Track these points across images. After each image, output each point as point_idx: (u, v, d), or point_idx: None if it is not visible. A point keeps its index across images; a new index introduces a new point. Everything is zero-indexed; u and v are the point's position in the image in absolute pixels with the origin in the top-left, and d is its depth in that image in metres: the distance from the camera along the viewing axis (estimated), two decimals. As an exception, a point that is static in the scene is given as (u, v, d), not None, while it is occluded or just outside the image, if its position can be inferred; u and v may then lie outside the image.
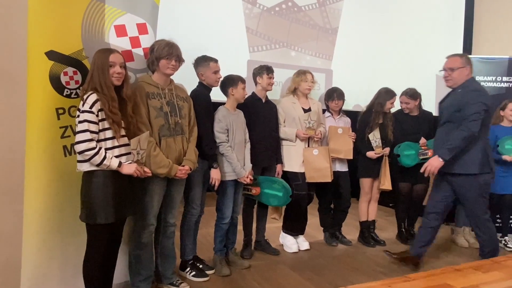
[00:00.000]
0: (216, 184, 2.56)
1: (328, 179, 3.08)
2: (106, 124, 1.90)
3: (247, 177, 2.69)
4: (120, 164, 1.91)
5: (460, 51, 4.59)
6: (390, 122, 3.46)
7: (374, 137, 3.35)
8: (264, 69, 2.98)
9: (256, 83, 3.04)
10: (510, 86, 3.96)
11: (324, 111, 3.47)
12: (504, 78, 3.96)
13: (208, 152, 2.52)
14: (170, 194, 2.33)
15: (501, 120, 3.56)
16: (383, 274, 2.83)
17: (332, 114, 3.44)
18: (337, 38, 3.84)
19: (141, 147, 2.01)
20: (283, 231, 3.37)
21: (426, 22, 4.42)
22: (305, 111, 3.16)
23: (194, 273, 2.59)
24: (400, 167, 3.44)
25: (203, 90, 2.62)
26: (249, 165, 2.76)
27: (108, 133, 1.91)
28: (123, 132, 1.99)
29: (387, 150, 3.39)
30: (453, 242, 3.73)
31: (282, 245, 3.35)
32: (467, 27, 4.63)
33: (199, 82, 2.65)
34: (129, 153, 1.99)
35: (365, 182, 3.48)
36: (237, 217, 2.84)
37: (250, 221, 3.13)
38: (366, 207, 3.54)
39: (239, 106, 2.82)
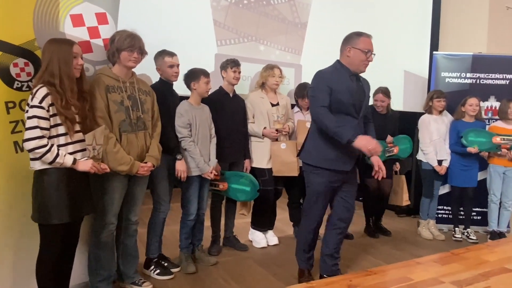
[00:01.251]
0: (183, 176, 2.50)
1: (295, 173, 3.07)
2: (58, 120, 1.80)
3: (212, 173, 2.63)
4: (75, 161, 1.82)
5: (428, 48, 4.70)
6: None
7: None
8: (229, 62, 2.93)
9: (222, 77, 2.99)
10: (473, 82, 4.07)
11: (293, 106, 3.46)
12: (468, 75, 4.07)
13: (171, 145, 2.46)
14: (132, 192, 2.26)
15: (463, 115, 3.66)
16: (348, 268, 2.87)
17: (301, 109, 3.44)
18: (306, 33, 3.82)
19: (97, 142, 1.93)
20: (251, 227, 3.35)
21: (395, 19, 4.48)
22: (274, 105, 3.14)
23: (158, 271, 2.54)
24: (364, 163, 3.47)
25: (160, 85, 2.56)
26: (214, 160, 2.71)
27: (61, 129, 1.81)
28: (77, 128, 1.89)
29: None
30: (418, 235, 3.82)
31: (252, 241, 3.33)
32: (434, 25, 4.73)
33: (159, 77, 2.60)
34: (84, 149, 1.90)
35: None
36: (203, 213, 2.79)
37: (218, 217, 3.09)
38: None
39: (206, 101, 2.76)
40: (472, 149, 3.49)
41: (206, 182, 2.72)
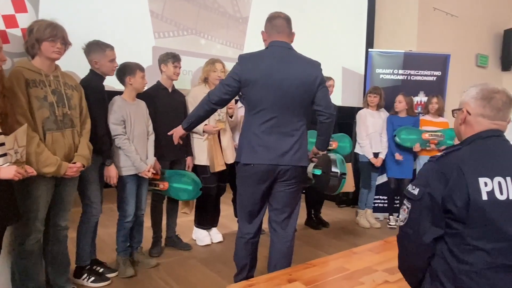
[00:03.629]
0: (112, 182, 2.37)
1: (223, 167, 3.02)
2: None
3: (149, 171, 2.52)
4: None
5: (363, 45, 4.91)
6: None
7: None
8: (170, 56, 2.82)
9: (161, 71, 2.87)
10: (405, 78, 4.33)
11: (236, 101, 3.42)
12: (400, 71, 4.32)
13: (101, 147, 2.30)
14: (60, 195, 2.09)
15: (397, 112, 3.90)
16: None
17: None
18: (247, 27, 3.80)
19: (19, 144, 1.73)
20: (195, 226, 3.28)
21: (334, 18, 4.62)
22: None
23: (93, 278, 2.38)
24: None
25: (95, 78, 2.37)
26: (152, 159, 2.59)
27: None
28: (-4, 129, 1.69)
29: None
30: (357, 224, 4.00)
31: (195, 240, 3.26)
32: (369, 24, 4.95)
33: (91, 70, 2.40)
34: (5, 154, 1.71)
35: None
36: (142, 214, 2.67)
37: (159, 217, 2.98)
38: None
39: (142, 96, 2.63)
40: (398, 156, 3.77)
41: (144, 181, 2.60)
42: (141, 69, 2.51)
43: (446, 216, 1.17)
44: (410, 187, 1.26)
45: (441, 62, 4.33)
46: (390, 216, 4.02)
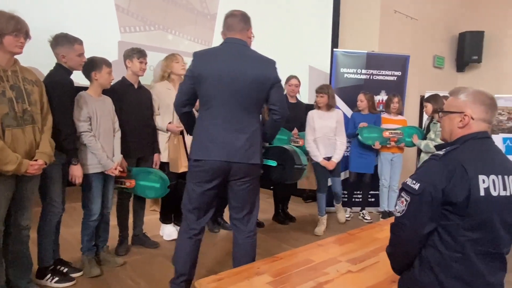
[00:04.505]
0: (77, 182, 2.31)
1: (177, 169, 2.99)
2: None
3: (116, 169, 2.48)
4: None
5: (329, 45, 5.05)
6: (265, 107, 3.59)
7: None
8: (136, 52, 2.77)
9: (126, 66, 2.82)
10: (368, 78, 4.50)
11: None
12: (363, 71, 4.48)
13: (67, 146, 2.23)
14: (22, 194, 2.01)
15: (360, 110, 4.05)
16: (259, 255, 2.95)
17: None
18: (216, 24, 3.80)
19: (-24, 142, 1.67)
20: (162, 222, 3.26)
21: (301, 18, 4.72)
22: None
23: (57, 278, 2.31)
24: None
25: (62, 73, 2.30)
26: (118, 156, 2.55)
27: None
28: None
29: (263, 136, 3.53)
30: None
31: (163, 236, 3.24)
32: (334, 25, 5.09)
33: (57, 64, 2.32)
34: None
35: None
36: (108, 212, 2.62)
37: (126, 215, 2.93)
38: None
39: (108, 92, 2.58)
40: (377, 146, 3.92)
41: (110, 179, 2.55)
42: (108, 64, 2.46)
43: (444, 209, 1.26)
44: (409, 181, 1.32)
45: (401, 62, 4.53)
46: (363, 211, 4.16)
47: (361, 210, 4.19)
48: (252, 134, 1.99)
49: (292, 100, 3.80)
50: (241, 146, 1.95)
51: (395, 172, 4.12)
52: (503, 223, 1.29)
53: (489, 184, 1.26)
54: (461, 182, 1.24)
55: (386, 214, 4.13)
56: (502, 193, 1.28)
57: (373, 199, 4.47)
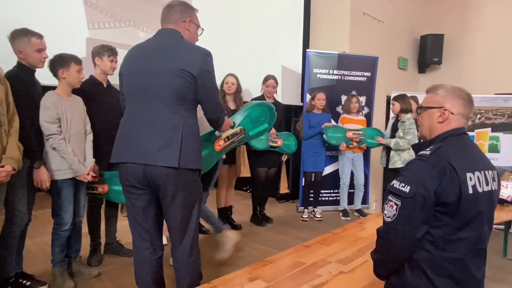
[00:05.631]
0: (44, 186, 2.13)
1: None
2: None
3: (89, 174, 2.31)
4: None
5: (301, 45, 5.07)
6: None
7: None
8: (106, 49, 2.60)
9: (94, 64, 2.64)
10: (339, 78, 4.56)
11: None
12: (335, 71, 4.54)
13: (30, 147, 2.05)
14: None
15: (313, 108, 4.08)
16: (241, 259, 2.90)
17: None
18: (188, 22, 3.68)
19: None
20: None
21: (273, 19, 4.71)
22: None
23: (20, 293, 2.12)
24: (255, 153, 3.59)
25: (21, 71, 2.12)
26: (91, 160, 2.38)
27: None
28: None
29: (241, 137, 3.47)
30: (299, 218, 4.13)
31: (137, 243, 3.08)
32: (305, 26, 5.13)
33: (17, 62, 2.14)
34: None
35: (222, 170, 3.50)
36: (80, 221, 2.44)
37: (97, 223, 2.75)
38: (224, 193, 3.58)
39: (75, 91, 2.40)
40: (343, 147, 4.01)
41: (82, 185, 2.38)
42: (77, 61, 2.29)
43: (436, 210, 1.24)
44: (397, 184, 1.28)
45: (370, 63, 4.64)
46: (315, 209, 4.21)
47: (313, 209, 4.25)
48: (173, 132, 1.66)
49: (269, 100, 3.76)
50: (158, 146, 1.64)
51: (358, 172, 4.23)
52: (486, 218, 1.30)
53: (475, 181, 1.27)
54: (452, 181, 1.23)
55: (346, 213, 4.23)
56: (486, 188, 1.30)
57: (334, 198, 4.56)
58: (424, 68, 6.39)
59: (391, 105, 4.05)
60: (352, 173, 4.29)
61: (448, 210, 1.23)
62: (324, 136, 3.96)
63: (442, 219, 1.25)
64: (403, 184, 1.27)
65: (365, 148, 4.19)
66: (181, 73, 1.67)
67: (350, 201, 4.41)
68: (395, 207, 1.28)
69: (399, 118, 3.91)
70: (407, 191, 1.24)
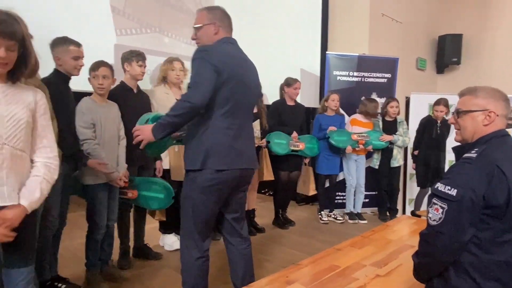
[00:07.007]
0: (104, 170, 2.24)
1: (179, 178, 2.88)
2: None
3: (121, 179, 2.34)
4: None
5: (319, 48, 5.07)
6: (263, 111, 3.55)
7: (254, 128, 3.39)
8: (134, 55, 2.64)
9: (124, 70, 2.69)
10: (359, 80, 4.55)
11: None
12: (355, 73, 4.53)
13: (67, 151, 2.09)
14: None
15: (325, 110, 4.03)
16: (267, 262, 2.91)
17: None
18: (211, 26, 3.72)
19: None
20: (162, 232, 3.14)
21: (290, 22, 4.71)
22: None
23: (56, 296, 2.16)
24: (277, 157, 3.60)
25: (56, 78, 2.17)
26: (123, 165, 2.42)
27: None
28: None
29: (264, 141, 3.49)
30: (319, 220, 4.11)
31: (163, 246, 3.12)
32: (323, 26, 5.12)
33: (54, 69, 2.20)
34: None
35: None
36: (113, 225, 2.48)
37: (127, 226, 2.79)
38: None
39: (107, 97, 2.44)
40: (349, 150, 3.95)
41: (115, 190, 2.41)
42: (106, 66, 2.32)
43: (483, 213, 1.23)
44: (443, 187, 1.27)
45: (391, 65, 4.62)
46: (322, 212, 4.15)
47: (330, 212, 4.20)
48: (253, 140, 2.05)
49: (290, 103, 3.77)
50: (252, 153, 1.98)
51: (360, 174, 4.17)
52: None
53: None
54: (500, 184, 1.22)
55: (353, 216, 4.17)
56: None
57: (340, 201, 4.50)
58: (442, 68, 6.32)
59: (394, 108, 4.06)
60: None
61: (496, 213, 1.22)
62: (331, 140, 3.88)
63: (489, 222, 1.24)
64: (449, 187, 1.26)
65: (371, 150, 4.10)
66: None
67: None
68: (440, 210, 1.27)
69: (388, 119, 4.11)
70: (454, 194, 1.24)
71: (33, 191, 1.38)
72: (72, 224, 2.40)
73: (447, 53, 6.05)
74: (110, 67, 2.36)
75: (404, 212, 4.81)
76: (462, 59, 6.07)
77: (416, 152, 4.23)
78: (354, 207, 4.21)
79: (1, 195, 1.31)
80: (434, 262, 1.36)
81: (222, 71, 1.73)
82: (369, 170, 4.26)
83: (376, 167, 4.14)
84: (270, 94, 3.94)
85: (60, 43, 2.14)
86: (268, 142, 3.50)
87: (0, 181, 1.31)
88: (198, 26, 1.91)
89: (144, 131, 1.76)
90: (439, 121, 4.04)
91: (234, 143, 1.84)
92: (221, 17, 1.91)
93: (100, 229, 2.31)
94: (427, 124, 4.11)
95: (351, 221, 4.11)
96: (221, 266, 2.82)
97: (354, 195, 4.20)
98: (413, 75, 5.88)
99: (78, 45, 2.19)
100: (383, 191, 4.21)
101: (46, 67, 2.16)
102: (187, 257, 1.91)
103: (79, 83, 2.33)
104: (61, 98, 2.14)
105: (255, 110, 3.47)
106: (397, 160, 4.09)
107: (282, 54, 4.55)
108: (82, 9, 2.84)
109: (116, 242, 2.75)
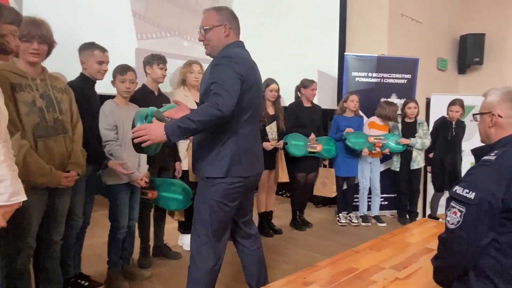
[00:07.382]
0: (124, 172, 2.28)
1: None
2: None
3: (142, 180, 2.39)
4: None
5: (337, 48, 5.04)
6: (280, 113, 3.57)
7: (271, 129, 3.42)
8: (155, 58, 2.71)
9: (146, 73, 2.76)
10: (379, 81, 4.50)
11: None
12: (374, 74, 4.49)
13: (91, 152, 2.14)
14: (54, 207, 1.93)
15: (344, 111, 4.00)
16: (284, 263, 2.92)
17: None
18: (229, 30, 3.76)
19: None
20: (181, 232, 3.19)
21: (307, 23, 4.70)
22: (199, 104, 3.01)
23: (80, 292, 2.22)
24: (294, 158, 3.60)
25: (82, 81, 2.25)
26: (145, 166, 2.48)
27: None
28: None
29: (281, 143, 3.50)
30: (337, 222, 4.09)
31: (182, 246, 3.17)
32: (341, 27, 5.09)
33: (80, 73, 2.28)
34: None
35: (263, 175, 3.53)
36: (134, 224, 2.54)
37: (147, 226, 2.85)
38: (264, 198, 3.60)
39: (129, 100, 2.50)
40: (365, 152, 3.89)
41: (136, 190, 2.47)
42: (128, 70, 2.38)
43: (503, 217, 1.21)
44: (461, 190, 1.26)
45: (411, 65, 4.55)
46: (340, 214, 4.11)
47: (347, 214, 4.15)
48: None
49: (307, 104, 3.77)
50: (262, 155, 2.02)
51: (375, 177, 4.11)
52: None
53: None
54: None
55: (366, 218, 4.11)
56: None
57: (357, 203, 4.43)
58: (464, 69, 6.18)
59: (412, 109, 3.97)
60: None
61: None
62: (348, 142, 3.83)
63: (508, 225, 1.22)
64: (467, 190, 1.24)
65: (388, 153, 4.03)
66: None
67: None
68: (459, 214, 1.26)
69: (408, 120, 4.02)
70: (472, 198, 1.22)
71: None
72: (94, 223, 2.48)
73: (469, 53, 5.92)
74: (135, 71, 2.43)
75: (424, 215, 4.73)
76: (484, 59, 5.93)
77: (431, 155, 4.15)
78: (369, 209, 4.16)
79: None
80: (452, 265, 1.35)
81: (246, 80, 1.74)
82: (389, 173, 4.21)
83: (397, 169, 4.07)
84: (288, 97, 3.94)
85: (86, 48, 2.22)
86: (285, 143, 3.51)
87: None
88: (207, 27, 1.83)
89: (154, 131, 1.60)
90: (454, 122, 3.96)
91: (254, 148, 1.90)
92: (231, 18, 1.86)
93: (121, 229, 2.37)
94: (442, 126, 4.04)
95: (363, 224, 4.06)
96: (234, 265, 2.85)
97: (369, 198, 4.15)
98: (434, 75, 5.78)
99: (103, 50, 2.26)
100: (402, 193, 4.14)
101: (73, 71, 2.26)
102: (200, 264, 1.83)
103: (101, 86, 2.40)
104: (86, 100, 2.21)
105: (272, 112, 3.50)
106: (417, 162, 4.02)
107: (299, 55, 4.55)
108: (105, 15, 2.93)
109: (137, 241, 2.83)
